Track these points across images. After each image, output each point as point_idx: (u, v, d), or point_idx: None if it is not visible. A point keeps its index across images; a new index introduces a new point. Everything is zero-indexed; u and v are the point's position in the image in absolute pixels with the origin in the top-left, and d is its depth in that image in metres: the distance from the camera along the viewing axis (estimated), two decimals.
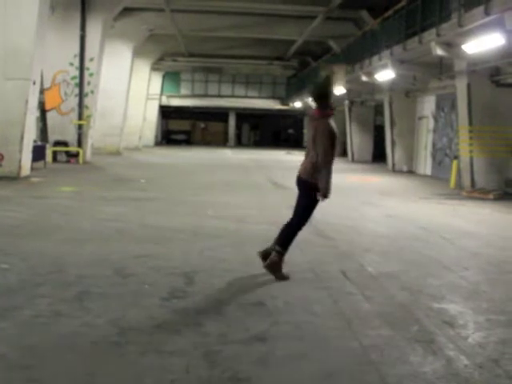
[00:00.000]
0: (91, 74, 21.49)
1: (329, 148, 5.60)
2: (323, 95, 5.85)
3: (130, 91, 29.79)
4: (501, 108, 15.25)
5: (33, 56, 14.68)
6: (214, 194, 13.22)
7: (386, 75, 18.83)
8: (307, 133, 6.11)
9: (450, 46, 13.93)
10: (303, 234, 8.41)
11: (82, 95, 21.40)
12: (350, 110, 28.80)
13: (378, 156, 27.71)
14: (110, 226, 8.65)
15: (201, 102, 45.71)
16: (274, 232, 8.58)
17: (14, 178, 14.42)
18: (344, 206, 11.83)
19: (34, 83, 15.09)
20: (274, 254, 5.84)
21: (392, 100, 22.70)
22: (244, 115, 49.12)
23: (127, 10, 24.95)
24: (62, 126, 21.30)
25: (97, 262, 6.32)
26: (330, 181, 5.67)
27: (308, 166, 5.77)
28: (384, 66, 18.48)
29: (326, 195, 5.66)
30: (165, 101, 44.32)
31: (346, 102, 28.73)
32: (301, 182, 5.86)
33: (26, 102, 14.63)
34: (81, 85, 21.35)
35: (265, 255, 5.99)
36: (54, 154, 21.07)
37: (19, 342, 4.04)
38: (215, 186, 15.03)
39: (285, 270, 5.90)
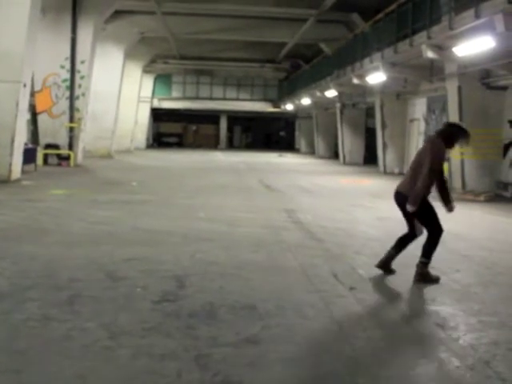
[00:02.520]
0: (82, 77, 21.43)
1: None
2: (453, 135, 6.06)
3: (121, 94, 29.71)
4: (491, 110, 15.34)
5: (23, 58, 14.62)
6: (206, 197, 13.20)
7: (377, 78, 18.89)
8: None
9: (441, 48, 13.99)
10: (294, 238, 8.47)
11: (73, 98, 21.33)
12: (341, 112, 28.86)
13: (370, 158, 27.78)
14: (101, 229, 8.62)
15: (192, 105, 45.65)
16: (265, 235, 8.63)
17: (4, 182, 14.34)
18: (335, 209, 11.87)
19: (25, 86, 15.04)
20: (419, 266, 6.01)
21: (383, 102, 22.77)
22: (235, 118, 49.12)
23: (118, 13, 24.89)
24: (53, 129, 21.21)
25: (88, 266, 6.29)
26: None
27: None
28: (375, 69, 18.53)
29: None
30: (156, 103, 44.25)
31: (338, 105, 28.81)
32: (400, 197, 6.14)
33: (17, 104, 14.57)
34: (72, 87, 21.29)
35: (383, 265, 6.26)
36: (45, 156, 20.99)
37: (9, 346, 4.02)
38: (207, 189, 15.00)
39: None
